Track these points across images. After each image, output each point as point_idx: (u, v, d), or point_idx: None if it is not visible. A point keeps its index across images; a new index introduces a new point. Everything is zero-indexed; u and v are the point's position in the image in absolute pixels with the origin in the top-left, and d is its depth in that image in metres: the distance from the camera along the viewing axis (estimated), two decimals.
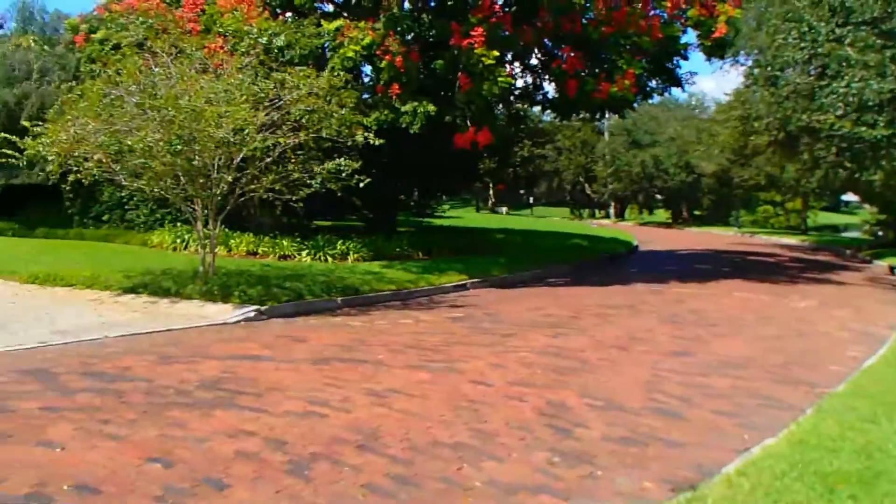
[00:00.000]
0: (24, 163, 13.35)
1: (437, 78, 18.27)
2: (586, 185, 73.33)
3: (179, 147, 12.50)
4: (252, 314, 11.74)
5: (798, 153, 28.52)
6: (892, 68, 15.34)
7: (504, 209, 74.42)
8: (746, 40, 21.68)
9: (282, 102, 13.56)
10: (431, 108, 17.12)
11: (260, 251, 19.03)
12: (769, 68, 21.06)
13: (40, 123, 12.97)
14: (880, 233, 38.64)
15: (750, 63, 25.91)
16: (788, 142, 27.00)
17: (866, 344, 11.08)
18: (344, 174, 13.77)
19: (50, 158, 12.57)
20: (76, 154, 12.54)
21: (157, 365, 8.35)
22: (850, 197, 71.32)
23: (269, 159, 13.45)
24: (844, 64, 16.53)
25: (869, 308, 15.54)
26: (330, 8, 20.68)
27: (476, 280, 17.23)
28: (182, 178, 13.16)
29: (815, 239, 41.84)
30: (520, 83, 22.66)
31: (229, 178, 13.18)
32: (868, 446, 5.83)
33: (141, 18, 18.14)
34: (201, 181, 13.23)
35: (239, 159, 13.21)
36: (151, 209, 22.82)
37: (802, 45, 17.76)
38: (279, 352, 9.33)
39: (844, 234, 50.60)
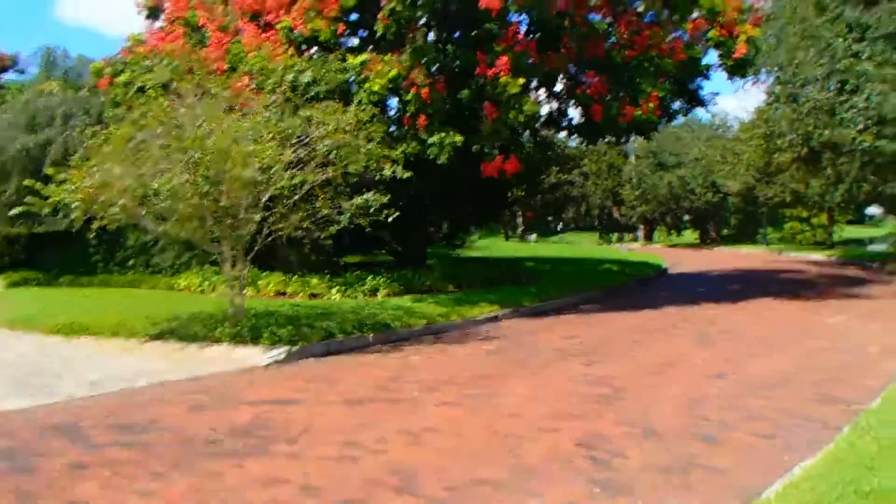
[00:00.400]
0: (48, 210, 13.07)
1: (462, 108, 18.15)
2: (614, 209, 72.95)
3: (206, 188, 12.37)
4: (283, 356, 11.50)
5: (821, 168, 28.19)
6: None
7: (533, 237, 74.13)
8: (767, 59, 21.49)
9: (309, 139, 13.42)
10: (458, 138, 16.95)
11: (289, 290, 18.80)
12: (790, 85, 20.84)
13: (65, 170, 12.80)
14: None
15: (771, 81, 25.68)
16: (811, 157, 26.70)
17: None
18: (372, 209, 13.58)
19: (74, 205, 12.31)
20: (101, 199, 12.31)
21: (186, 413, 8.14)
22: (874, 210, 70.16)
23: (296, 197, 13.27)
24: (863, 79, 16.33)
25: None
26: (355, 42, 20.69)
27: (508, 311, 16.94)
28: (209, 219, 12.96)
29: (841, 253, 41.13)
30: (545, 110, 22.54)
31: (257, 218, 13.02)
32: None
33: (166, 60, 18.18)
34: (228, 222, 13.06)
35: (266, 198, 13.04)
36: (178, 252, 22.46)
37: (821, 61, 17.59)
38: (311, 394, 9.11)
39: (870, 248, 49.70)
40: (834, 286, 23.31)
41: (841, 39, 16.99)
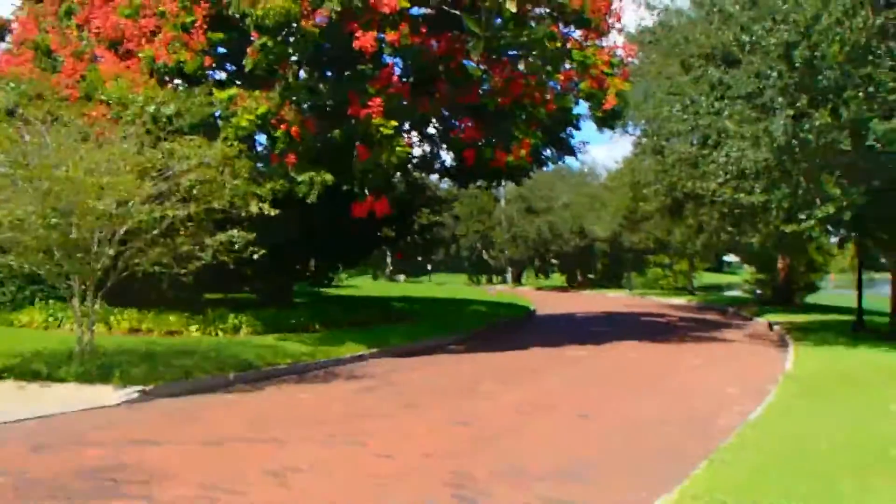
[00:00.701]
0: None
1: (334, 147, 18.16)
2: (484, 252, 74.12)
3: (55, 220, 11.85)
4: (136, 395, 11.07)
5: (684, 218, 29.52)
6: (766, 140, 16.16)
7: (402, 277, 74.42)
8: (634, 112, 22.49)
9: (171, 173, 13.11)
10: (329, 177, 16.94)
11: (144, 327, 18.09)
12: (656, 138, 21.86)
13: None
14: (759, 291, 40.27)
15: (638, 133, 26.91)
16: (675, 207, 27.94)
17: (752, 397, 11.48)
18: (237, 246, 13.39)
19: None
20: None
21: (28, 455, 7.73)
22: (731, 258, 74.17)
23: (156, 231, 12.93)
24: (724, 135, 17.32)
25: (753, 363, 16.14)
26: (223, 76, 20.40)
27: (376, 350, 16.93)
28: (57, 252, 12.40)
29: (701, 298, 43.22)
30: (418, 152, 22.78)
31: (111, 252, 12.56)
32: (757, 498, 6.11)
33: (11, 84, 17.42)
34: (80, 255, 12.52)
35: (122, 232, 12.63)
36: (19, 286, 21.24)
37: (685, 116, 18.53)
38: (167, 434, 8.84)
39: (727, 293, 52.48)
40: (694, 330, 24.44)
41: (704, 97, 17.97)
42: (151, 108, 15.65)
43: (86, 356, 12.50)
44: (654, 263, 55.71)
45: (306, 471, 7.18)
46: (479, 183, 23.53)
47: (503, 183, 25.59)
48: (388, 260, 74.84)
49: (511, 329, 25.14)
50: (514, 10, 17.02)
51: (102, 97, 16.73)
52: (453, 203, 74.36)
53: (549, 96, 18.94)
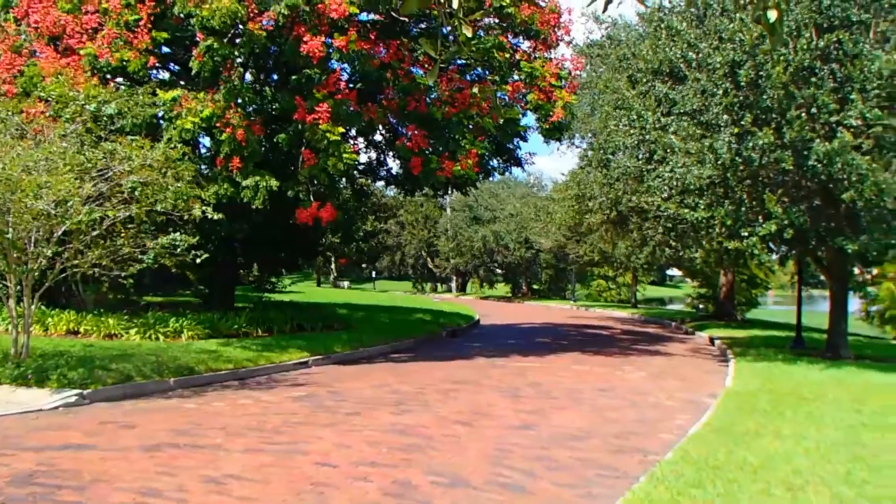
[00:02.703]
0: None
1: (280, 152, 18.13)
2: (429, 260, 74.24)
3: None
4: (73, 399, 10.95)
5: (629, 231, 29.88)
6: (710, 157, 16.46)
7: (346, 283, 74.14)
8: (581, 125, 22.79)
9: (111, 173, 12.99)
10: (274, 182, 16.91)
11: (82, 330, 17.84)
12: (602, 151, 22.15)
13: None
14: (701, 306, 40.94)
15: (584, 146, 27.20)
16: (620, 220, 28.28)
17: (692, 412, 11.72)
18: (179, 249, 13.33)
19: None
20: None
21: None
22: (674, 272, 75.34)
23: (95, 233, 12.79)
24: (669, 151, 17.59)
25: (693, 378, 16.35)
26: (167, 76, 20.21)
27: (318, 357, 16.93)
28: None
29: (644, 311, 43.80)
30: (364, 159, 22.91)
31: (49, 253, 12.39)
32: None
33: None
34: (16, 255, 12.35)
35: (60, 232, 12.47)
36: None
37: (632, 131, 18.81)
38: (105, 439, 8.75)
39: (670, 307, 53.32)
40: (636, 343, 24.79)
41: (650, 112, 18.22)
42: (92, 107, 15.42)
43: (21, 358, 12.29)
44: (598, 275, 56.37)
45: (245, 478, 7.18)
46: (425, 191, 23.64)
47: (449, 192, 25.78)
48: (333, 266, 74.59)
49: (455, 338, 25.27)
50: (469, 34, 17.16)
51: (41, 94, 16.44)
52: (399, 211, 74.66)
53: (496, 106, 19.15)
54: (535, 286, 65.63)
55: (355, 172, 22.03)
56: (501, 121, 19.45)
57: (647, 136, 18.30)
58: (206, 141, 19.17)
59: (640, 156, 19.45)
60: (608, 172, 21.83)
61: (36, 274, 12.62)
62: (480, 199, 64.03)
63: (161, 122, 17.33)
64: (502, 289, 71.04)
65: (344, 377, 14.99)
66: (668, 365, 18.71)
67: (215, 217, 13.95)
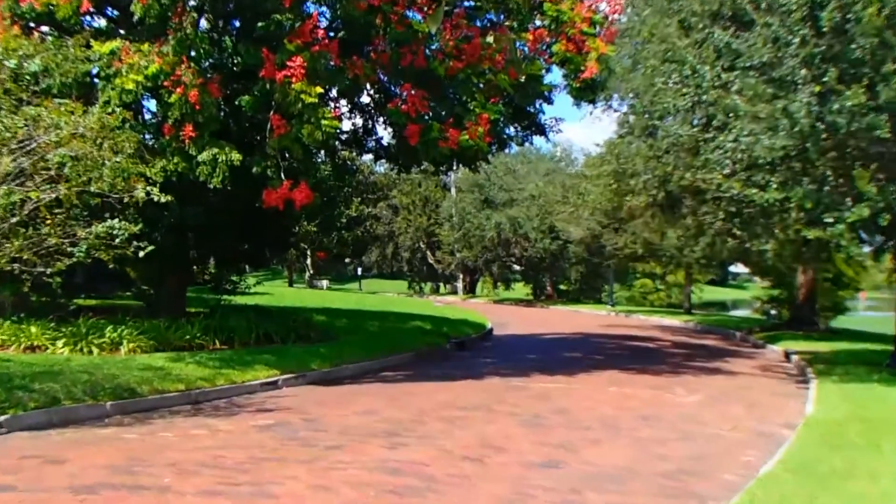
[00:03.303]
0: None
1: (243, 118, 18.18)
2: (429, 253, 74.30)
3: None
4: None
5: (680, 217, 29.74)
6: (785, 122, 16.26)
7: (325, 283, 74.28)
8: (621, 82, 22.62)
9: (35, 145, 13.05)
10: (236, 156, 16.96)
11: None
12: (647, 116, 22.03)
13: None
14: (773, 312, 40.67)
15: (625, 109, 27.05)
16: (669, 203, 28.11)
17: (762, 446, 11.66)
18: (118, 240, 13.37)
19: None
20: None
21: None
22: (739, 269, 75.31)
23: (14, 219, 12.84)
24: (732, 115, 17.43)
25: (763, 402, 16.32)
26: (103, 24, 20.20)
27: (291, 376, 17.02)
28: None
29: (700, 319, 43.71)
30: (347, 126, 22.86)
31: None
32: None
33: None
34: None
35: None
36: None
37: (685, 90, 18.67)
38: (26, 478, 8.83)
39: (733, 314, 53.26)
40: (690, 358, 24.79)
41: (708, 67, 18.04)
42: (12, 63, 15.44)
43: None
44: (641, 273, 56.37)
45: None
46: (424, 166, 23.64)
47: (454, 168, 25.76)
48: (308, 261, 74.68)
49: (463, 353, 25.35)
50: None
51: None
52: (391, 192, 74.69)
53: (513, 60, 19.13)
54: (562, 286, 65.69)
55: (337, 143, 22.06)
56: (522, 78, 19.43)
57: (704, 97, 18.19)
58: (152, 105, 19.22)
59: (696, 121, 19.36)
60: (655, 143, 21.73)
61: None
62: (494, 176, 63.94)
63: (96, 81, 17.36)
64: (521, 290, 71.11)
65: (323, 401, 15.06)
66: (732, 386, 18.71)
67: (163, 200, 13.97)
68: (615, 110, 29.25)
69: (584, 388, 17.75)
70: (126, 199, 13.96)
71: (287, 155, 17.76)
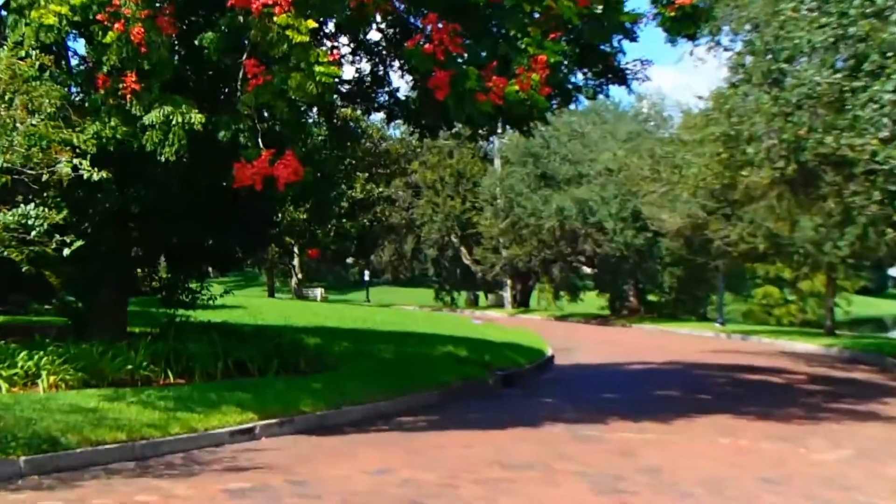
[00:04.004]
0: None
1: (206, 65, 18.27)
2: (463, 251, 74.37)
3: None
4: None
5: (819, 199, 29.70)
6: None
7: (319, 292, 74.61)
8: (733, 9, 22.60)
9: None
10: (196, 117, 17.02)
11: None
12: (769, 57, 22.06)
13: None
14: None
15: (738, 47, 27.03)
16: (803, 180, 28.11)
17: None
18: (34, 233, 13.54)
19: None
20: None
21: None
22: None
23: None
24: (892, 55, 17.39)
25: None
26: None
27: (272, 422, 17.15)
28: None
29: (848, 343, 43.33)
30: (350, 73, 22.91)
31: None
32: None
33: None
34: None
35: None
36: None
37: (823, 20, 18.66)
38: None
39: (895, 334, 52.81)
40: (832, 398, 24.72)
41: None
42: None
43: None
44: (763, 279, 56.08)
45: None
46: (456, 129, 23.68)
47: (499, 130, 25.81)
48: (296, 263, 74.83)
49: (513, 390, 25.41)
50: None
51: None
52: (411, 164, 74.56)
53: None
54: (651, 297, 65.56)
55: (336, 98, 22.14)
56: (599, 7, 19.47)
57: (852, 30, 18.17)
58: (81, 46, 19.38)
59: (840, 64, 19.33)
60: (781, 94, 21.73)
61: None
62: (554, 142, 63.95)
63: (3, 13, 17.54)
64: (593, 301, 70.97)
65: (316, 457, 15.20)
66: (892, 438, 18.68)
67: (95, 177, 14.13)
68: (725, 49, 29.30)
69: (683, 439, 17.79)
70: (45, 177, 14.13)
71: (267, 115, 17.86)
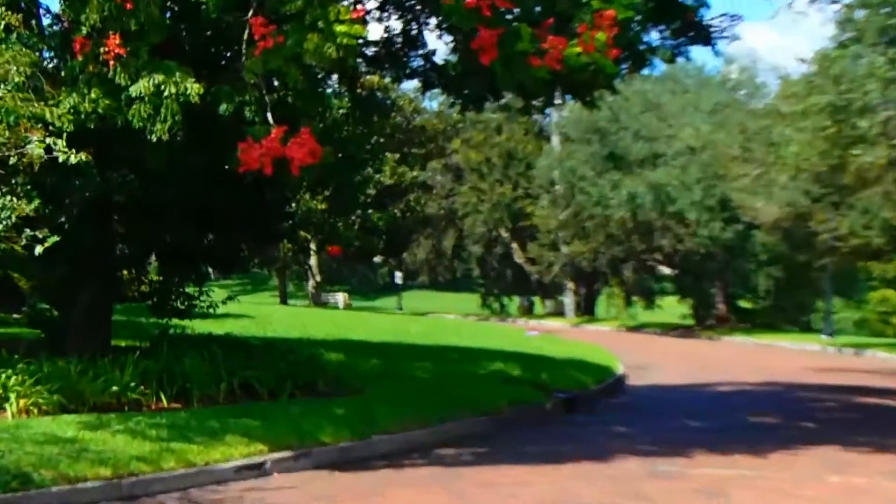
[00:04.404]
0: None
1: (203, 25, 18.38)
2: (515, 247, 74.37)
3: None
4: None
5: None
6: None
7: (341, 298, 74.73)
8: None
9: None
10: (193, 86, 17.08)
11: None
12: (886, 10, 22.03)
13: None
14: None
15: (848, 0, 26.96)
16: None
17: None
18: (0, 227, 13.65)
19: None
20: None
21: None
22: None
23: None
24: None
25: None
26: None
27: (287, 455, 17.21)
28: None
29: None
30: (377, 33, 22.95)
31: None
32: None
33: None
34: None
35: None
36: None
37: None
38: None
39: None
40: None
41: None
42: None
43: None
44: (881, 280, 55.78)
45: None
46: (505, 100, 23.72)
47: (558, 102, 25.76)
48: (313, 263, 74.97)
49: (575, 415, 25.43)
50: None
51: None
52: (450, 142, 74.43)
53: None
54: (743, 303, 65.35)
55: (359, 63, 22.20)
56: None
57: None
58: (55, 2, 19.49)
59: None
60: None
61: None
62: (625, 115, 63.89)
63: None
64: (672, 307, 70.84)
65: (339, 497, 15.26)
66: None
67: (73, 160, 14.24)
68: (832, 1, 29.22)
69: (784, 476, 17.75)
70: (13, 160, 14.25)
71: (277, 84, 17.93)
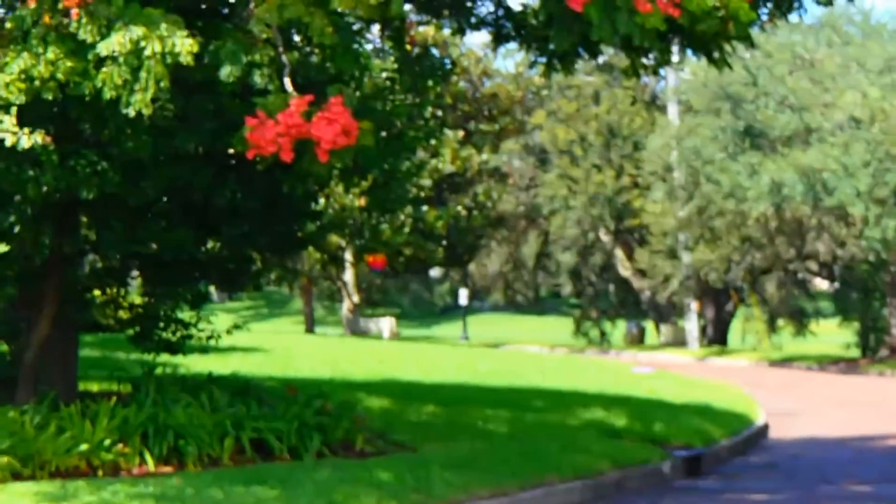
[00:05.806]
0: None
1: None
2: (620, 254, 74.37)
3: None
4: None
5: None
6: None
7: (386, 324, 74.87)
8: None
9: None
10: (185, 42, 17.16)
11: None
12: None
13: None
14: None
15: None
16: None
17: None
18: None
19: None
20: None
21: None
22: None
23: None
24: None
25: None
26: None
27: None
28: None
29: None
30: None
31: None
32: None
33: None
34: None
35: None
36: None
37: None
38: None
39: None
40: None
41: None
42: None
43: None
44: None
45: None
46: (603, 59, 23.71)
47: (676, 60, 25.61)
48: (348, 277, 75.10)
49: (699, 481, 25.37)
50: None
51: None
52: (531, 116, 74.30)
53: None
54: None
55: (408, 8, 22.20)
56: None
57: None
58: None
59: None
60: None
61: None
62: (765, 76, 63.83)
63: None
64: (832, 333, 70.63)
65: None
66: None
67: (26, 143, 14.33)
68: None
69: None
70: None
71: (298, 39, 17.96)
